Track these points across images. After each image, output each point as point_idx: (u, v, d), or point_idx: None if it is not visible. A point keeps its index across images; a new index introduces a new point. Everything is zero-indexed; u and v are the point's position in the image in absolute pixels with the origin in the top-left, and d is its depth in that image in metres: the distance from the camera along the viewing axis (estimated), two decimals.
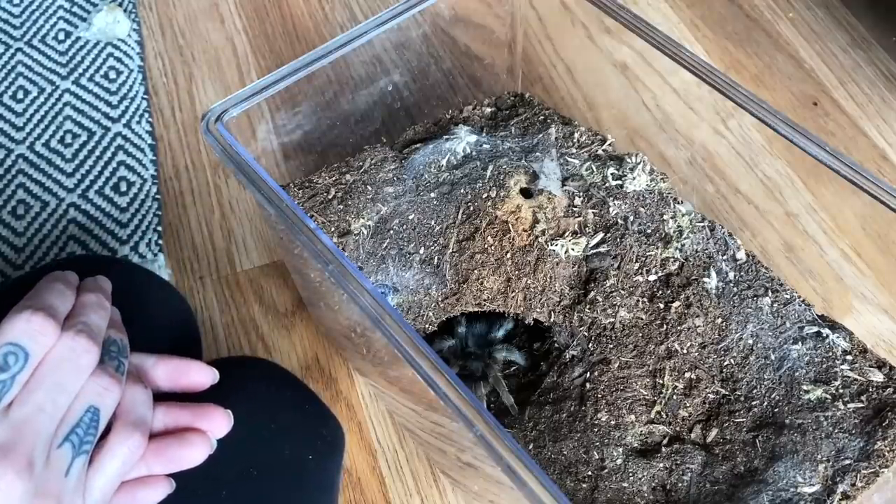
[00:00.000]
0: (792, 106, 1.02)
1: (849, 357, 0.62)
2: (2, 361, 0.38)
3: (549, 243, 0.66)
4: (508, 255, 0.65)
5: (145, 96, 1.03)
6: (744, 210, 0.72)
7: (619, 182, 0.69)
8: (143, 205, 0.93)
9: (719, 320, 0.64)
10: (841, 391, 0.60)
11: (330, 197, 0.69)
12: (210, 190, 0.96)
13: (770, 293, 0.66)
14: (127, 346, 0.45)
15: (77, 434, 0.40)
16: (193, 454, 0.45)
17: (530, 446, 0.62)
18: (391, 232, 0.66)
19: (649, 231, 0.67)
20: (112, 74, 1.05)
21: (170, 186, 0.96)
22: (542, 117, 0.79)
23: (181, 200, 0.95)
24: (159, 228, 0.92)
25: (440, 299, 0.65)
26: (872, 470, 0.57)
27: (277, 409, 0.55)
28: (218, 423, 0.46)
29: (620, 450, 0.60)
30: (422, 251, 0.66)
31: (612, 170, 0.70)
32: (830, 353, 0.63)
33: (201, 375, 0.48)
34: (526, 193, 0.68)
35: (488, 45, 0.84)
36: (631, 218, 0.67)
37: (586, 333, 0.64)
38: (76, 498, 0.39)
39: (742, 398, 0.61)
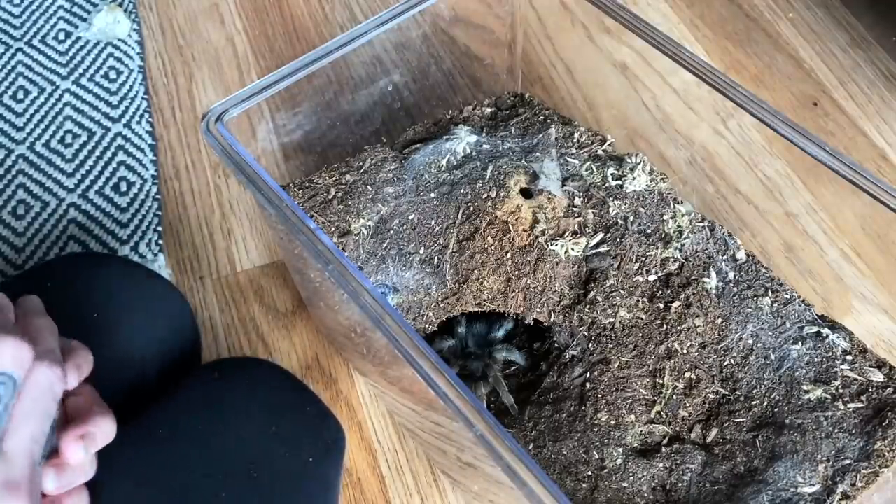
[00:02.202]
0: (792, 106, 1.01)
1: (849, 357, 0.62)
2: None
3: (549, 243, 0.66)
4: (508, 255, 0.65)
5: (145, 96, 1.03)
6: (744, 210, 0.72)
7: (619, 182, 0.69)
8: (143, 205, 0.93)
9: (719, 320, 0.64)
10: (841, 391, 0.60)
11: (330, 197, 0.69)
12: (210, 190, 0.96)
13: (770, 293, 0.66)
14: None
15: (44, 448, 0.40)
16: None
17: (530, 446, 0.62)
18: (391, 232, 0.66)
19: (649, 231, 0.67)
20: (112, 74, 1.05)
21: (170, 186, 0.96)
22: (542, 117, 0.79)
23: (181, 200, 0.95)
24: (159, 228, 0.92)
25: (440, 299, 0.65)
26: (872, 470, 0.57)
27: (278, 411, 0.55)
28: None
29: (620, 450, 0.60)
30: (422, 251, 0.66)
31: (612, 170, 0.70)
32: (830, 353, 0.63)
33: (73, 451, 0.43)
34: (526, 193, 0.68)
35: (488, 45, 0.84)
36: (631, 218, 0.67)
37: (586, 333, 0.64)
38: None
39: (742, 398, 0.61)
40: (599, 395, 0.62)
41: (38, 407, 0.39)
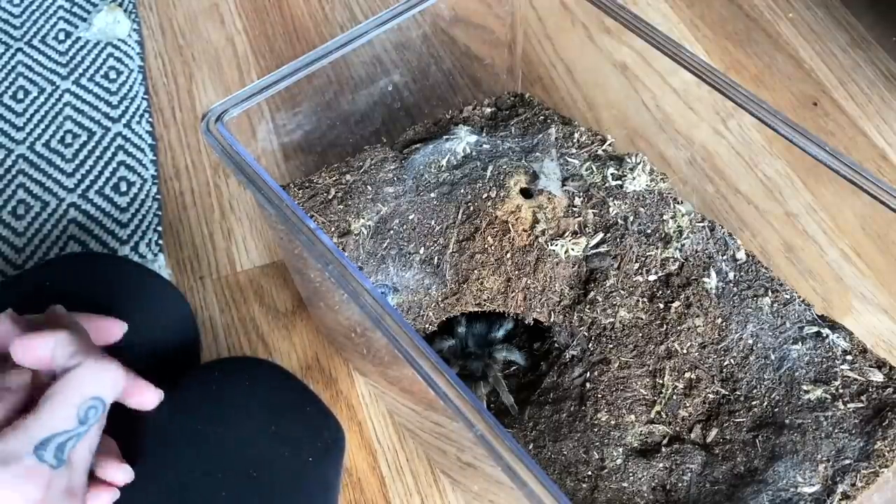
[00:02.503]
0: (792, 106, 1.01)
1: (849, 357, 0.62)
2: (83, 415, 0.39)
3: (549, 243, 0.66)
4: (508, 255, 0.65)
5: (145, 96, 1.03)
6: (744, 210, 0.72)
7: (619, 182, 0.69)
8: (143, 205, 0.93)
9: (719, 320, 0.64)
10: (841, 391, 0.60)
11: (330, 197, 0.69)
12: (210, 190, 0.96)
13: (770, 293, 0.66)
14: None
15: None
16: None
17: (530, 446, 0.62)
18: (391, 232, 0.66)
19: (649, 231, 0.67)
20: (112, 74, 1.05)
21: (170, 186, 0.96)
22: (542, 117, 0.79)
23: (181, 200, 0.95)
24: (159, 228, 0.92)
25: (440, 299, 0.65)
26: (872, 470, 0.57)
27: (278, 411, 0.55)
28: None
29: (620, 450, 0.60)
30: (422, 251, 0.66)
31: (612, 170, 0.70)
32: (830, 353, 0.63)
33: (116, 329, 0.49)
34: (526, 193, 0.68)
35: (488, 45, 0.84)
36: (631, 218, 0.67)
37: (586, 333, 0.64)
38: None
39: (742, 398, 0.61)
40: (599, 395, 0.62)
41: (101, 420, 0.41)
